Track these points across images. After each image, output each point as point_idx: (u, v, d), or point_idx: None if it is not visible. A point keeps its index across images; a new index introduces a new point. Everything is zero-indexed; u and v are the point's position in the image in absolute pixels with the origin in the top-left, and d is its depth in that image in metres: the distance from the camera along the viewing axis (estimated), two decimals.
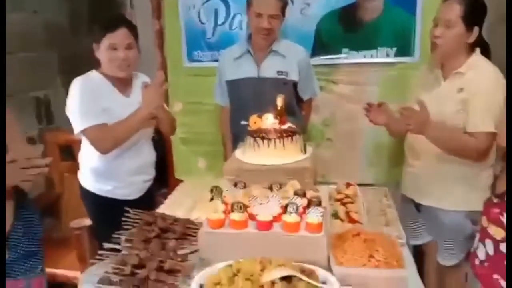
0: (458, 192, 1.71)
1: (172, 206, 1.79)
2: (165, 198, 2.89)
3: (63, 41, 2.95)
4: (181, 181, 2.69)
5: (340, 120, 2.42)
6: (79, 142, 2.55)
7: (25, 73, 2.61)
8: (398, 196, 1.94)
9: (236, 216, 1.29)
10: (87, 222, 2.01)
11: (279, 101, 1.71)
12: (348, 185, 1.75)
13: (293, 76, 2.03)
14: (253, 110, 1.81)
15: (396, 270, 1.15)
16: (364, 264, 1.18)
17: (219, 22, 2.46)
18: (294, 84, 2.06)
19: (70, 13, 3.04)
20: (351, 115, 2.36)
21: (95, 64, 1.83)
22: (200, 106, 2.57)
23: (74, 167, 2.60)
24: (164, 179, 2.81)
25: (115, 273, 1.24)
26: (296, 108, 2.11)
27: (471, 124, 1.61)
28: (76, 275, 2.08)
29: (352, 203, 1.61)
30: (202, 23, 2.48)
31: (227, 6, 2.43)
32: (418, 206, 1.87)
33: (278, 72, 2.02)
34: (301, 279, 1.08)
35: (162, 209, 1.77)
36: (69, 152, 2.65)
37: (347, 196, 1.65)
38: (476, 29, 1.63)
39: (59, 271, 2.16)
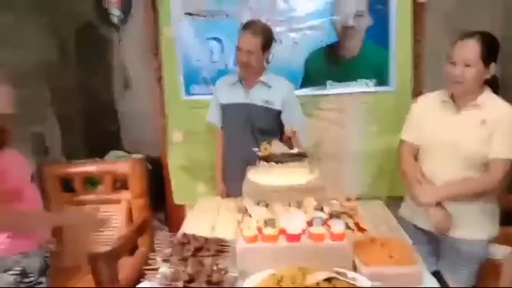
0: (476, 223, 1.81)
1: (193, 227, 1.92)
2: (162, 223, 3.04)
3: (54, 77, 3.02)
4: (179, 206, 2.84)
5: (328, 142, 2.69)
6: (78, 174, 2.66)
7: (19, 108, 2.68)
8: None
9: (269, 231, 1.48)
10: (104, 248, 2.09)
11: (288, 130, 1.94)
12: (348, 199, 1.98)
13: (278, 106, 2.27)
14: (243, 131, 2.16)
15: (413, 266, 1.39)
16: (386, 264, 1.40)
17: (214, 59, 2.70)
18: (279, 113, 2.29)
19: (60, 51, 3.13)
20: (337, 138, 2.65)
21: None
22: (198, 136, 2.76)
23: (74, 198, 2.68)
24: (160, 205, 2.93)
25: None
26: (279, 133, 2.34)
27: (494, 152, 1.70)
28: None
29: (356, 214, 1.84)
30: (198, 60, 2.71)
31: (221, 45, 2.68)
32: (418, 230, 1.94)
33: (264, 101, 2.25)
34: (339, 279, 1.29)
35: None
36: (68, 184, 2.72)
37: (350, 209, 1.88)
38: (492, 66, 1.71)
39: None
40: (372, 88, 2.64)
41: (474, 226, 1.82)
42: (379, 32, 2.57)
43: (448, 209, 1.80)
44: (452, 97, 1.82)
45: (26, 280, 1.68)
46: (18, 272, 1.65)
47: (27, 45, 2.76)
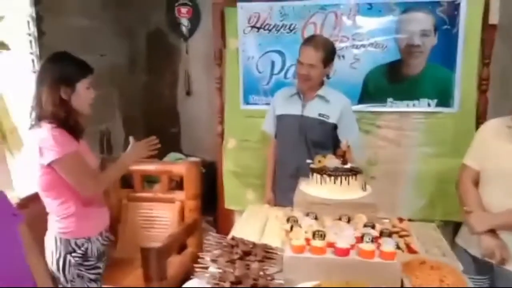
0: None
1: (241, 232, 1.97)
2: (212, 225, 3.12)
3: (122, 80, 3.25)
4: (229, 210, 2.91)
5: (382, 160, 2.66)
6: (137, 172, 2.81)
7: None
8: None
9: (317, 243, 1.48)
10: (155, 244, 2.20)
11: (344, 144, 1.94)
12: (400, 220, 1.94)
13: (333, 119, 2.26)
14: (296, 142, 2.20)
15: None
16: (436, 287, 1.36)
17: (275, 71, 2.77)
18: (334, 127, 2.30)
19: (130, 56, 3.36)
20: (393, 157, 2.60)
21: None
22: (251, 144, 2.84)
23: (132, 195, 2.84)
24: (211, 208, 3.02)
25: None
26: (331, 146, 2.34)
27: None
28: None
29: (408, 236, 1.80)
30: (259, 72, 2.79)
31: (283, 58, 2.74)
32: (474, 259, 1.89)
33: (319, 114, 2.26)
34: None
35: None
36: (128, 180, 2.88)
37: (402, 230, 1.84)
38: None
39: None
40: (434, 109, 2.57)
41: None
42: (444, 52, 2.50)
43: (504, 239, 1.72)
44: None
45: (86, 263, 1.81)
46: (80, 255, 1.79)
47: (102, 49, 2.99)
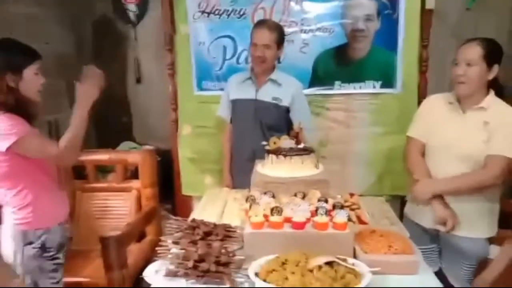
0: (478, 222, 1.88)
1: (201, 215, 2.01)
2: (170, 213, 3.12)
3: (69, 69, 3.13)
4: (187, 197, 2.93)
5: (333, 141, 2.78)
6: (90, 162, 2.75)
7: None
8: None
9: (275, 218, 1.55)
10: (114, 233, 2.18)
11: (296, 126, 2.02)
12: (351, 195, 2.06)
13: (286, 103, 2.34)
14: (251, 126, 2.25)
15: (411, 255, 1.47)
16: (385, 252, 1.48)
17: (227, 57, 2.80)
18: (287, 110, 2.38)
19: (76, 44, 3.24)
20: (343, 137, 2.73)
21: None
22: (206, 129, 2.86)
23: (86, 186, 2.78)
24: (169, 195, 3.03)
25: (178, 267, 1.47)
26: (285, 128, 2.42)
27: (492, 149, 1.78)
28: (99, 282, 2.23)
29: (358, 208, 1.92)
30: (212, 57, 2.81)
31: (235, 43, 2.78)
32: (422, 229, 2.01)
33: (273, 97, 2.33)
34: (339, 264, 1.37)
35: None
36: (81, 171, 2.81)
37: (353, 203, 1.96)
38: (495, 67, 1.81)
39: (84, 280, 2.32)
40: (379, 90, 2.72)
41: (474, 225, 1.89)
42: (387, 36, 2.65)
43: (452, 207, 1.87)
44: (458, 99, 1.91)
45: (45, 254, 1.79)
46: (39, 246, 1.76)
47: (46, 38, 2.87)
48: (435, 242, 2.05)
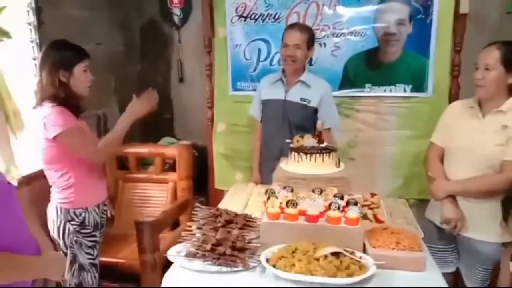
0: (493, 226, 1.91)
1: (226, 206, 2.14)
2: (204, 204, 3.29)
3: (118, 67, 3.40)
4: (219, 191, 3.09)
5: (362, 143, 2.83)
6: (133, 154, 2.98)
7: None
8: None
9: (290, 210, 1.65)
10: (149, 218, 2.37)
11: (319, 125, 2.11)
12: (372, 195, 2.11)
13: (314, 104, 2.42)
14: (280, 125, 2.37)
15: (418, 252, 1.51)
16: (393, 248, 1.54)
17: (261, 58, 2.93)
18: (315, 110, 2.45)
19: (125, 45, 3.51)
20: (372, 139, 2.78)
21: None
22: (240, 128, 3.01)
23: (128, 176, 3.01)
24: (203, 189, 3.20)
25: (198, 249, 1.61)
26: (313, 129, 2.45)
27: (508, 154, 1.80)
28: (133, 264, 2.42)
29: (377, 208, 1.97)
30: (247, 59, 2.95)
31: (269, 46, 2.91)
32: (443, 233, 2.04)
33: (301, 98, 2.42)
34: (345, 255, 1.45)
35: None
36: (123, 163, 3.05)
37: (372, 203, 2.02)
38: None
39: (120, 261, 2.52)
40: (409, 94, 2.73)
41: (489, 229, 1.91)
42: (419, 40, 2.66)
43: (464, 209, 1.90)
44: (479, 103, 1.93)
45: (83, 231, 2.00)
46: (78, 223, 1.97)
47: (98, 38, 3.13)
48: (453, 243, 2.06)
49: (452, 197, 1.94)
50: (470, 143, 1.90)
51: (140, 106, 2.06)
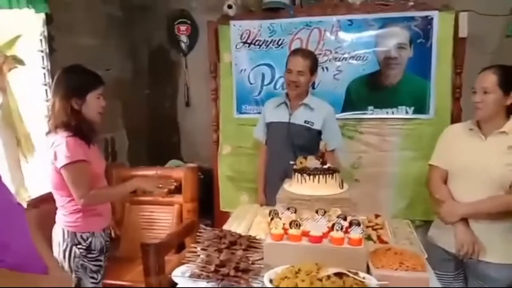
0: (506, 247, 1.89)
1: (230, 227, 2.16)
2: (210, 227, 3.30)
3: (127, 93, 3.49)
4: (225, 213, 3.10)
5: (365, 164, 2.86)
6: (140, 176, 3.01)
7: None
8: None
9: (293, 231, 1.67)
10: (155, 241, 2.40)
11: (322, 146, 2.15)
12: (376, 216, 2.12)
13: (317, 126, 2.46)
14: (284, 147, 2.39)
15: (421, 272, 1.51)
16: (396, 269, 1.54)
17: (265, 82, 3.01)
18: (319, 132, 2.48)
19: (134, 71, 3.61)
20: (375, 160, 2.80)
21: None
22: (244, 150, 3.06)
23: (134, 198, 3.05)
24: (209, 211, 3.22)
25: (202, 270, 1.63)
26: (316, 150, 2.51)
27: None
28: (140, 286, 2.42)
29: (381, 229, 1.98)
30: (251, 83, 3.03)
31: (272, 71, 2.99)
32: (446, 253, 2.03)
33: (305, 121, 2.46)
34: (348, 276, 1.46)
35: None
36: None
37: (376, 224, 2.03)
38: None
39: (126, 283, 2.53)
40: (411, 115, 2.78)
41: (502, 250, 1.89)
42: (420, 63, 2.72)
43: (476, 230, 1.90)
44: (479, 125, 1.95)
45: (89, 255, 2.01)
46: (85, 248, 1.99)
47: (108, 65, 3.21)
48: (460, 268, 2.04)
49: (464, 220, 1.93)
50: (476, 164, 1.90)
51: (141, 184, 2.17)
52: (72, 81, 1.92)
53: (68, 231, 1.99)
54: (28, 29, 2.41)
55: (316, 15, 2.87)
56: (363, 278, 1.47)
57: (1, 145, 2.17)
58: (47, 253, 1.50)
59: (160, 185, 2.14)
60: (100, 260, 2.07)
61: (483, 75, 1.90)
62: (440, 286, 1.57)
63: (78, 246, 1.98)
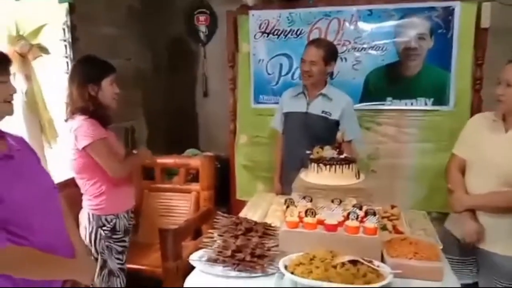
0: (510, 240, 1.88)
1: (247, 214, 2.19)
2: None
3: (146, 82, 3.54)
4: (241, 201, 3.14)
5: (383, 155, 2.85)
6: (158, 165, 3.07)
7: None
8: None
9: (309, 219, 1.69)
10: (173, 227, 2.45)
11: (339, 136, 2.15)
12: (392, 206, 2.12)
13: (335, 116, 2.45)
14: (301, 137, 2.39)
15: (435, 262, 1.52)
16: (410, 258, 1.55)
17: (283, 73, 3.01)
18: (336, 123, 2.48)
19: (153, 60, 3.66)
20: (393, 152, 2.79)
21: None
22: (261, 139, 3.08)
23: (153, 186, 3.11)
24: (226, 200, 3.26)
25: (218, 255, 1.67)
26: (334, 141, 2.50)
27: None
28: (157, 271, 2.49)
29: (397, 219, 1.98)
30: (269, 74, 3.04)
31: (290, 61, 2.99)
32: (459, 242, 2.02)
33: (323, 111, 2.46)
34: (363, 264, 1.47)
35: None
36: (149, 173, 3.15)
37: (392, 215, 2.03)
38: None
39: (144, 268, 2.61)
40: (431, 107, 2.75)
41: (508, 242, 1.88)
42: (440, 54, 2.68)
43: (484, 223, 1.89)
44: (504, 117, 1.91)
45: (114, 236, 2.10)
46: (110, 229, 2.07)
47: (128, 54, 3.28)
48: (472, 255, 2.04)
49: (472, 210, 1.94)
50: (493, 157, 1.88)
51: (142, 157, 2.33)
52: (87, 69, 2.03)
53: (93, 214, 2.07)
54: (52, 18, 2.47)
55: (335, 5, 2.85)
56: (377, 266, 1.48)
57: (26, 130, 2.24)
58: (77, 238, 1.57)
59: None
60: (125, 241, 2.15)
61: (508, 67, 1.84)
62: (455, 276, 1.57)
63: (103, 228, 2.06)
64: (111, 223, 2.08)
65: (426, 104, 2.75)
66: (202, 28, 3.56)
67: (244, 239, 1.77)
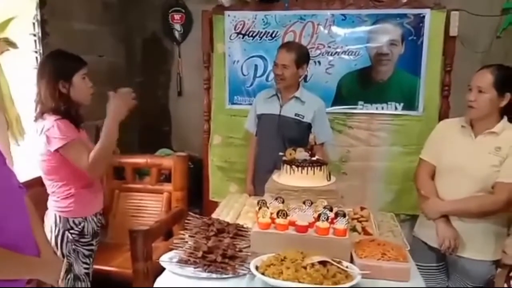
0: (485, 244, 1.93)
1: (219, 216, 2.19)
2: None
3: (119, 80, 3.47)
4: (214, 202, 3.14)
5: (354, 158, 2.90)
6: (129, 164, 3.03)
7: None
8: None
9: (280, 221, 1.70)
10: (143, 227, 2.41)
11: (311, 139, 2.18)
12: (362, 208, 2.17)
13: (308, 119, 2.49)
14: (274, 139, 2.40)
15: (403, 263, 1.56)
16: (378, 259, 1.58)
17: (258, 74, 3.03)
18: (309, 126, 2.51)
19: (127, 58, 3.60)
20: (364, 155, 2.85)
21: None
22: (235, 140, 3.09)
23: (124, 186, 3.06)
24: (199, 201, 3.24)
25: (189, 256, 1.66)
26: (306, 143, 2.51)
27: (502, 176, 1.83)
28: (126, 272, 2.45)
29: (366, 221, 2.02)
30: (244, 75, 3.05)
31: (265, 62, 3.01)
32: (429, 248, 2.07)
33: (296, 114, 2.49)
34: (332, 264, 1.50)
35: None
36: (120, 172, 3.10)
37: (362, 216, 2.07)
38: (507, 95, 1.84)
39: (113, 269, 2.56)
40: (401, 111, 2.83)
41: (480, 247, 1.93)
42: (411, 60, 2.77)
43: (458, 228, 1.93)
44: (471, 123, 1.95)
45: (82, 240, 2.03)
46: (78, 232, 2.01)
47: (101, 51, 3.21)
48: (442, 261, 2.09)
49: (446, 216, 1.97)
50: (463, 162, 1.92)
51: (120, 106, 1.99)
52: (56, 65, 1.92)
53: (60, 216, 1.98)
54: (21, 12, 2.39)
55: (310, 8, 2.89)
56: (346, 267, 1.51)
57: None
58: (43, 238, 1.52)
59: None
60: (92, 245, 2.09)
61: (480, 74, 1.88)
62: (421, 277, 1.61)
63: (71, 231, 1.99)
64: (79, 226, 2.01)
65: (396, 108, 2.83)
66: (177, 27, 3.53)
67: (216, 240, 1.76)
